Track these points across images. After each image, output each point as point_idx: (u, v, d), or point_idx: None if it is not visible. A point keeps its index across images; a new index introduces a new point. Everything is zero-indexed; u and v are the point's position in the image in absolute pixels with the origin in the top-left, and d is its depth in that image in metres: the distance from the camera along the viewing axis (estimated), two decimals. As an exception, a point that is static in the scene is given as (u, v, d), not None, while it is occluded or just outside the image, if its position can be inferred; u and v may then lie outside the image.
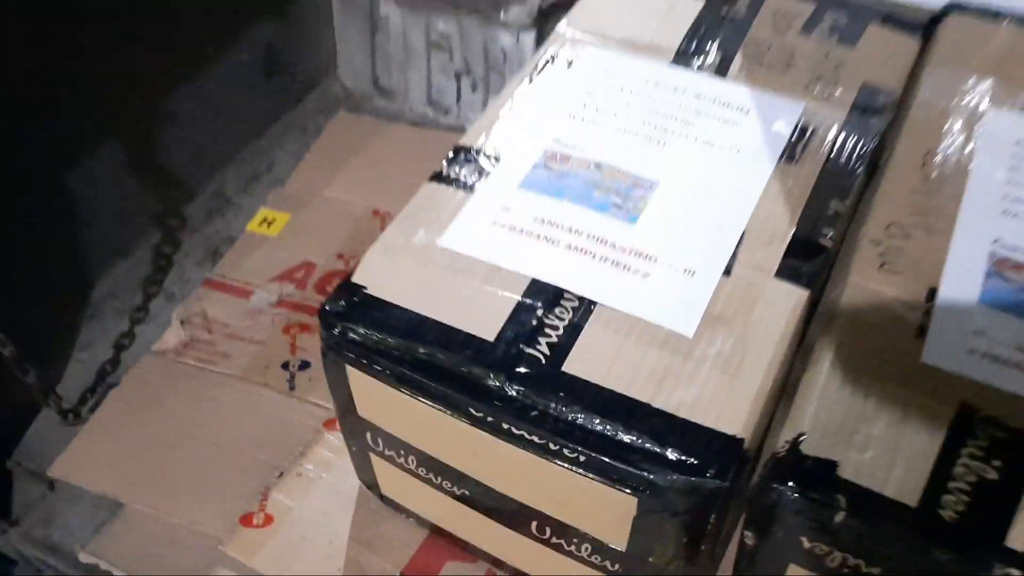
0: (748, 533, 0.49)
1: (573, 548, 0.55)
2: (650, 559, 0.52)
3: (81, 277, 0.85)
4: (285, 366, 0.79)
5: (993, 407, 0.46)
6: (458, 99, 1.01)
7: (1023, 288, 0.52)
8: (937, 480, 0.44)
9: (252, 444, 0.73)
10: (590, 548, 0.54)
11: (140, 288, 0.86)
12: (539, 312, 0.52)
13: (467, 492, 0.58)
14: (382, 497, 0.68)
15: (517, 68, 0.92)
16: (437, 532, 0.66)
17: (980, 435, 0.45)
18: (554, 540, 0.56)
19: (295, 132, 1.02)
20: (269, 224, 0.92)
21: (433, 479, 0.59)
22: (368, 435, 0.60)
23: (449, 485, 0.58)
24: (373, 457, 0.62)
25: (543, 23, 0.91)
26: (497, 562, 0.65)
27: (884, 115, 0.63)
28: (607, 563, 0.54)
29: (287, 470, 0.71)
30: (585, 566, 0.56)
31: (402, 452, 0.59)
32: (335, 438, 0.73)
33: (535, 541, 0.57)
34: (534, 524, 0.56)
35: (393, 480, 0.64)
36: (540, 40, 0.91)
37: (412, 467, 0.59)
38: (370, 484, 0.67)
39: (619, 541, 0.52)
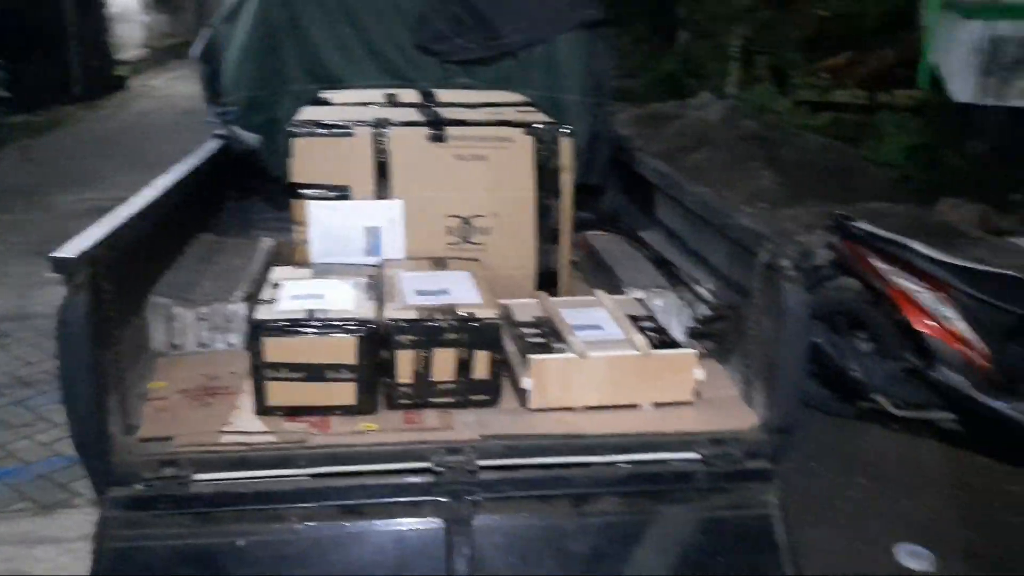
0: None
1: (337, 375, 1.97)
2: (364, 364, 1.97)
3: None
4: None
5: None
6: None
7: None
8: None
9: (186, 407, 1.96)
10: (348, 373, 1.97)
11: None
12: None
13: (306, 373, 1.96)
14: (266, 409, 1.97)
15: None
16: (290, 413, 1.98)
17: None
18: (333, 376, 1.97)
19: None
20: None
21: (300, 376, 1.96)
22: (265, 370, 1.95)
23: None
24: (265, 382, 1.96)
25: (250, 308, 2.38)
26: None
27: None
28: (353, 376, 1.97)
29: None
30: (343, 383, 1.97)
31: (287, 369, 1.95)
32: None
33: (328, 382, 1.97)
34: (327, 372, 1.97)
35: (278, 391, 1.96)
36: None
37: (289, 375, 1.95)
38: (263, 408, 1.97)
39: (353, 360, 1.97)
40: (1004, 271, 3.36)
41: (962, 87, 6.64)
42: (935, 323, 3.41)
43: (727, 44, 9.44)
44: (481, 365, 2.05)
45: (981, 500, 3.16)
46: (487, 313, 2.07)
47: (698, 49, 9.93)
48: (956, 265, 3.42)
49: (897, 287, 3.51)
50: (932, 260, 3.46)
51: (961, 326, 3.37)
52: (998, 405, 3.27)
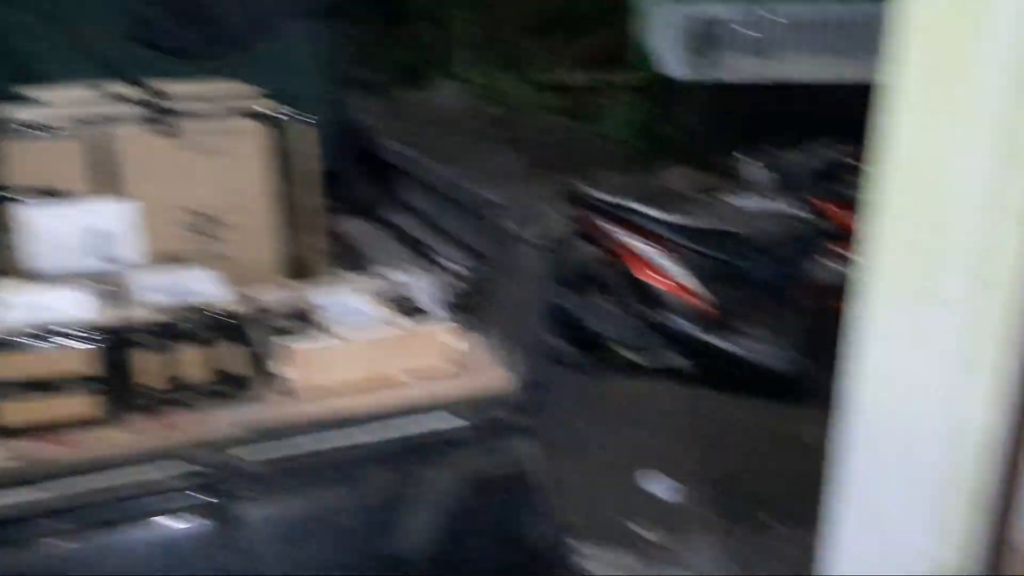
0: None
1: (76, 387, 1.84)
2: (105, 372, 1.86)
3: None
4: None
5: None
6: None
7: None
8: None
9: None
10: (88, 384, 1.85)
11: None
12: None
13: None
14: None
15: None
16: (25, 433, 1.83)
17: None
18: (71, 389, 1.84)
19: None
20: None
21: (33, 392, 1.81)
22: None
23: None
24: None
25: None
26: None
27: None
28: (94, 386, 1.85)
29: None
30: (84, 395, 1.85)
31: (17, 388, 1.79)
32: None
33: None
34: (64, 385, 1.83)
35: (9, 411, 1.80)
36: None
37: (20, 393, 1.80)
38: None
39: (92, 370, 1.85)
40: (717, 226, 3.78)
41: (674, 65, 7.31)
42: (664, 277, 3.78)
43: (460, 31, 9.70)
44: (232, 359, 2.00)
45: (716, 430, 3.54)
46: (233, 307, 2.03)
47: (433, 37, 10.11)
48: (678, 224, 3.80)
49: (628, 248, 3.84)
50: (657, 221, 3.83)
51: (686, 278, 3.76)
52: (722, 344, 3.69)
